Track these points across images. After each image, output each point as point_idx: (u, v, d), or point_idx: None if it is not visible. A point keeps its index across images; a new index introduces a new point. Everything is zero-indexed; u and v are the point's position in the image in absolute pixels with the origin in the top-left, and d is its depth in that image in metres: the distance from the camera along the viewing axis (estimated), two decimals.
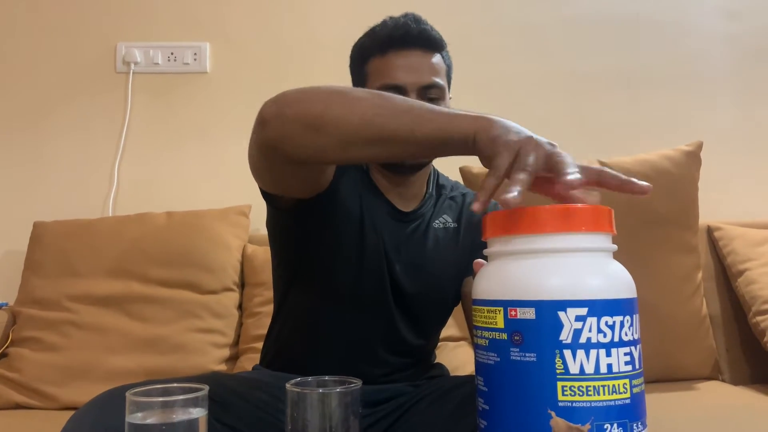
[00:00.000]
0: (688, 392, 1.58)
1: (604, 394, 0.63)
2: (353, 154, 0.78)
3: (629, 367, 0.65)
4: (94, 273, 1.67)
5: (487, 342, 0.66)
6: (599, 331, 0.64)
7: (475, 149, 0.69)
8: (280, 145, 0.81)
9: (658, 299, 1.66)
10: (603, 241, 0.70)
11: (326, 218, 1.06)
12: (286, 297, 1.15)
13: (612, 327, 0.65)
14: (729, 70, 2.07)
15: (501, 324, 0.65)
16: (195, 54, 2.05)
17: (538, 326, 0.63)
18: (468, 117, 0.70)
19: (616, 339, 0.65)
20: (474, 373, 1.11)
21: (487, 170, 0.67)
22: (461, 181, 1.68)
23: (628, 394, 0.64)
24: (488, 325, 0.66)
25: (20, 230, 1.83)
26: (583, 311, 0.63)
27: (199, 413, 0.62)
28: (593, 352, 0.63)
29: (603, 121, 2.02)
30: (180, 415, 0.61)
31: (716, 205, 1.82)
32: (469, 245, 1.16)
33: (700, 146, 1.72)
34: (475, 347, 0.70)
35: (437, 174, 1.23)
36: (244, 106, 1.62)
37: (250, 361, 1.52)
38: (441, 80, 1.08)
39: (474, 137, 0.68)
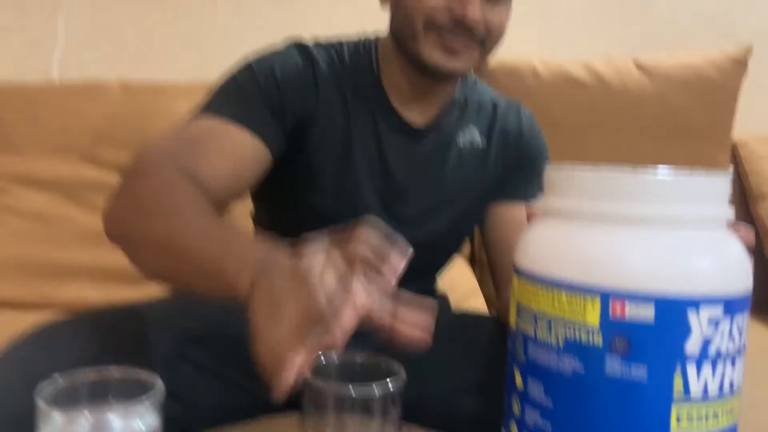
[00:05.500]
0: None
1: (723, 422, 0.46)
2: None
3: (742, 381, 0.48)
4: (35, 149, 1.42)
5: (560, 341, 0.47)
6: (730, 336, 0.46)
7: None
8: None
9: None
10: (725, 207, 0.50)
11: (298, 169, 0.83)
12: None
13: (741, 330, 0.46)
14: None
15: (594, 321, 0.46)
16: None
17: (657, 331, 0.44)
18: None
19: (742, 345, 0.47)
20: (483, 313, 0.94)
21: None
22: None
23: (736, 417, 0.48)
24: (565, 316, 0.47)
25: None
26: (719, 311, 0.44)
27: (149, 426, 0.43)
28: (720, 367, 0.45)
29: (637, 14, 1.74)
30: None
31: (754, 120, 1.60)
32: (498, 173, 0.90)
33: (749, 51, 1.48)
34: (521, 336, 0.50)
35: (468, 76, 0.92)
36: None
37: None
38: None
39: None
